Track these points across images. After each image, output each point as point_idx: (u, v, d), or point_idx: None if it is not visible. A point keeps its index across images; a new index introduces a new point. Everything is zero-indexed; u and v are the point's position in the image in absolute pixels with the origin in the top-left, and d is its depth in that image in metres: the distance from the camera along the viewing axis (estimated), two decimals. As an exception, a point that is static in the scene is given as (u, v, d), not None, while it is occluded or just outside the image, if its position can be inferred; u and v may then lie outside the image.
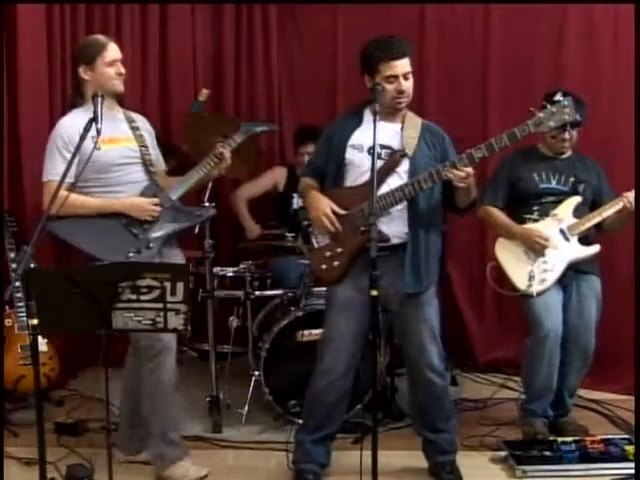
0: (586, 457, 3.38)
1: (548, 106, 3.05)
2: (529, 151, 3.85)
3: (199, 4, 5.19)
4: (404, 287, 3.11)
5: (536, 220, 3.74)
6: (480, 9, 4.80)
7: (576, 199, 3.74)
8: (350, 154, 3.17)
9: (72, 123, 3.24)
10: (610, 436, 3.59)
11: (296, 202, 4.65)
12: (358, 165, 3.16)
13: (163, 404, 3.32)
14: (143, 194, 3.33)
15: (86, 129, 2.90)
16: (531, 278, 3.64)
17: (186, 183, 3.42)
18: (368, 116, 3.20)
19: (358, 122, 3.22)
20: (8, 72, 4.21)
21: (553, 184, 3.77)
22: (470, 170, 3.02)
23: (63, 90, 4.45)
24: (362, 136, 3.16)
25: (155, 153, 3.49)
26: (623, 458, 3.37)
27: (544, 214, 3.74)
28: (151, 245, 3.28)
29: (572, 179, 3.77)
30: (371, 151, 3.08)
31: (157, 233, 3.32)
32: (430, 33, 4.93)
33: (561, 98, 3.12)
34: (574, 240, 3.70)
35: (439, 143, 3.22)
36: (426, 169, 3.08)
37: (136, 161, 3.35)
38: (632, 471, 3.21)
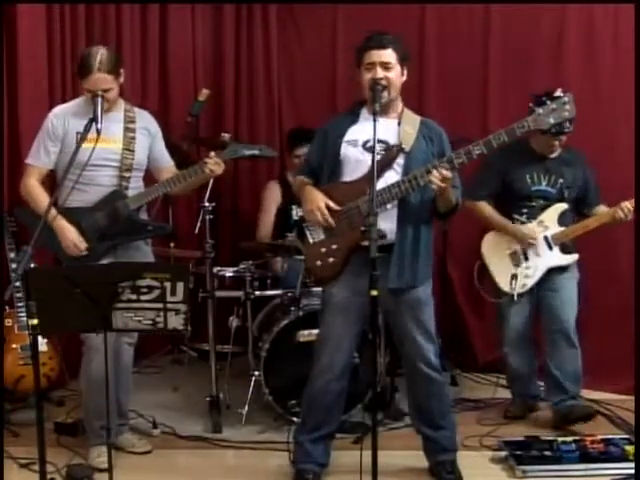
0: (586, 457, 3.39)
1: (548, 102, 3.02)
2: (519, 146, 3.79)
3: (199, 4, 5.20)
4: (387, 282, 3.06)
5: (523, 222, 3.85)
6: (480, 8, 4.80)
7: (562, 206, 3.83)
8: (345, 149, 3.17)
9: (61, 113, 3.38)
10: (610, 436, 3.59)
11: (296, 213, 4.62)
12: (353, 160, 3.15)
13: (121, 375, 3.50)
14: (100, 201, 3.33)
15: (86, 129, 2.95)
16: (514, 281, 3.82)
17: (152, 193, 3.41)
18: (364, 114, 3.22)
19: (354, 119, 3.23)
20: (8, 72, 4.20)
21: (543, 185, 3.84)
22: (448, 174, 2.97)
23: (63, 90, 4.45)
24: (357, 132, 3.18)
25: (157, 150, 3.51)
26: (623, 458, 3.37)
27: (532, 217, 3.85)
28: (96, 252, 3.33)
29: (561, 180, 3.82)
30: (366, 145, 3.11)
31: (106, 243, 3.36)
32: (430, 32, 4.93)
33: (561, 94, 3.09)
34: (556, 249, 3.85)
35: (437, 139, 3.22)
36: (422, 164, 3.07)
37: (111, 164, 3.34)
38: (632, 471, 3.21)
